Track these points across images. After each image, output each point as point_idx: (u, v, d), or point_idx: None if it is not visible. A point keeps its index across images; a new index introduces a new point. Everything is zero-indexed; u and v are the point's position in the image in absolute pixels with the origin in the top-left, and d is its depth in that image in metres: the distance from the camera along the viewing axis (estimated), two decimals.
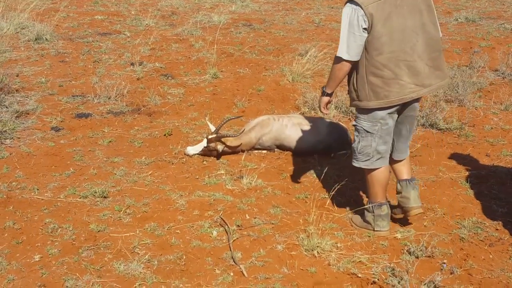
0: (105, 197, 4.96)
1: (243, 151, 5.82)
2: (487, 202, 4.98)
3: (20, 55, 8.35)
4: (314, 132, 5.77)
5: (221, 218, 4.70)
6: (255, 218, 4.74)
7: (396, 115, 4.36)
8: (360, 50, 4.15)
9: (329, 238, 4.39)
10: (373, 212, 4.55)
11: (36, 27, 9.01)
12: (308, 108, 6.74)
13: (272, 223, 4.67)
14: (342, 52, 4.16)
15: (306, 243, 4.34)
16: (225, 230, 4.54)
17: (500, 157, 5.79)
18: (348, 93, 4.43)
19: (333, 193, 4.94)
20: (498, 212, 4.84)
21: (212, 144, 5.64)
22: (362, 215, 4.70)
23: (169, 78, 7.75)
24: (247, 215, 4.77)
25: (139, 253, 4.26)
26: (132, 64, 8.08)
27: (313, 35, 9.60)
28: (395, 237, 4.50)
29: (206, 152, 5.69)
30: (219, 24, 9.98)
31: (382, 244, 4.41)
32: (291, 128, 5.82)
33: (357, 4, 4.07)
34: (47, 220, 4.60)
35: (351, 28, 4.10)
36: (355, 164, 4.53)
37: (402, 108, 4.34)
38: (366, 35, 4.11)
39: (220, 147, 5.66)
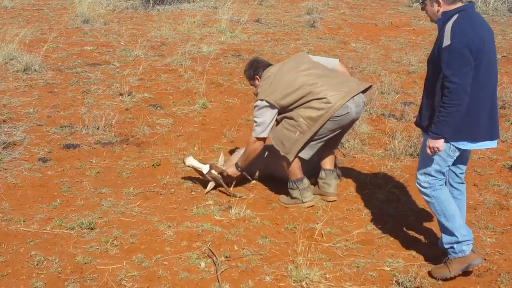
0: (92, 229, 4.92)
1: (231, 182, 5.78)
2: (475, 232, 4.97)
3: (9, 86, 8.34)
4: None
5: (209, 249, 4.66)
6: (243, 249, 4.71)
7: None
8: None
9: (317, 269, 4.36)
10: (298, 188, 5.37)
11: (25, 58, 9.02)
12: None
13: (261, 254, 4.64)
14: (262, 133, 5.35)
15: (295, 274, 4.31)
16: (213, 261, 4.51)
17: (488, 186, 5.81)
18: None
19: (321, 223, 4.93)
20: (486, 242, 4.84)
21: (208, 177, 5.62)
22: (287, 194, 5.47)
23: (158, 108, 7.76)
24: (235, 246, 4.74)
25: (126, 285, 4.21)
26: (121, 94, 8.09)
27: None
28: (385, 267, 4.49)
29: (200, 173, 5.67)
30: (208, 54, 10.05)
31: (371, 275, 4.39)
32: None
33: (268, 101, 5.25)
34: (33, 253, 4.55)
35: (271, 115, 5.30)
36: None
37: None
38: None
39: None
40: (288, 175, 5.44)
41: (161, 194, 5.60)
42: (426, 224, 5.13)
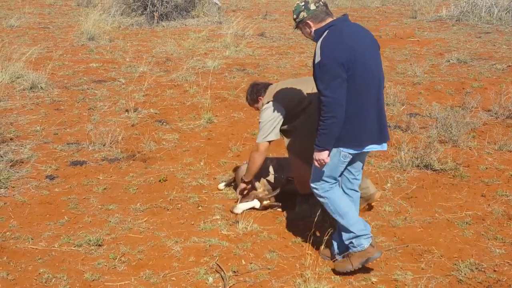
0: (99, 245, 4.92)
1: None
2: (484, 243, 4.96)
3: (15, 104, 8.39)
4: None
5: (217, 264, 4.66)
6: (251, 263, 4.70)
7: None
8: None
9: (326, 283, 4.34)
10: (308, 202, 5.38)
11: (31, 76, 9.07)
12: None
13: (269, 268, 4.63)
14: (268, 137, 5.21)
15: None
16: (221, 276, 4.50)
17: (495, 197, 5.78)
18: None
19: (329, 236, 4.91)
20: (495, 253, 4.81)
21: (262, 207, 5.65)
22: (293, 208, 5.51)
23: (164, 123, 7.78)
24: (243, 261, 4.73)
25: None
26: (127, 110, 8.12)
27: None
28: (393, 280, 4.47)
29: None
30: (213, 69, 10.08)
31: None
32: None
33: (273, 102, 5.18)
34: (41, 270, 4.55)
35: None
36: None
37: None
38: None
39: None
40: (300, 189, 5.40)
41: (168, 209, 5.60)
42: (434, 236, 5.10)
